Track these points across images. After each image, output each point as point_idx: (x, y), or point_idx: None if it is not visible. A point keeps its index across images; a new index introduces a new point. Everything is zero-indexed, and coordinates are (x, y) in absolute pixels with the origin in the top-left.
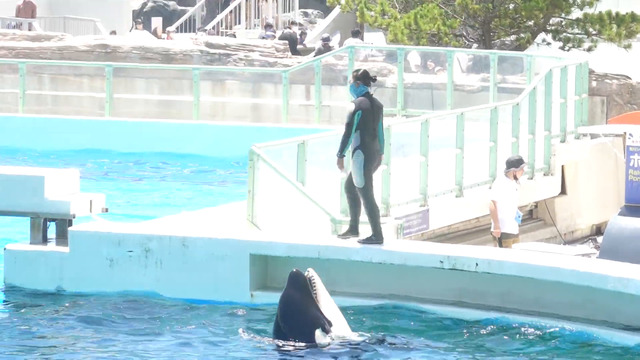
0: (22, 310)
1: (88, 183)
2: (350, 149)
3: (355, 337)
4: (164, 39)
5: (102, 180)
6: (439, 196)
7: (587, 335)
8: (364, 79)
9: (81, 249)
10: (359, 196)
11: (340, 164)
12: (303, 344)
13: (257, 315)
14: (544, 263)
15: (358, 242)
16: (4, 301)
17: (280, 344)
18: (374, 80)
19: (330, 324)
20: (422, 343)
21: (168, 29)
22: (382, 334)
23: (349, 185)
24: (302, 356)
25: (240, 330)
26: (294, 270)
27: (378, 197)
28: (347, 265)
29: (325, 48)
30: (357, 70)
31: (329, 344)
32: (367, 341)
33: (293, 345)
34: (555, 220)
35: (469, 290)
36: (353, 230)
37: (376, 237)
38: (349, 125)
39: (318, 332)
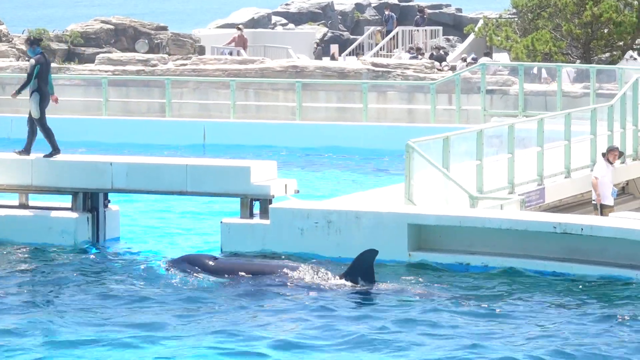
0: None
1: (283, 171)
2: (29, 91)
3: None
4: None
5: (293, 168)
6: (552, 177)
7: None
8: (36, 43)
9: (279, 221)
10: (35, 125)
11: (14, 97)
12: None
13: (414, 268)
14: (635, 227)
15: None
16: None
17: None
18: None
19: None
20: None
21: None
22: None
23: (30, 119)
24: None
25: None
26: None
27: (505, 179)
28: (482, 231)
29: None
30: (28, 39)
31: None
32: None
33: None
34: None
35: (576, 249)
36: (27, 150)
37: (54, 151)
38: (29, 75)
39: None
